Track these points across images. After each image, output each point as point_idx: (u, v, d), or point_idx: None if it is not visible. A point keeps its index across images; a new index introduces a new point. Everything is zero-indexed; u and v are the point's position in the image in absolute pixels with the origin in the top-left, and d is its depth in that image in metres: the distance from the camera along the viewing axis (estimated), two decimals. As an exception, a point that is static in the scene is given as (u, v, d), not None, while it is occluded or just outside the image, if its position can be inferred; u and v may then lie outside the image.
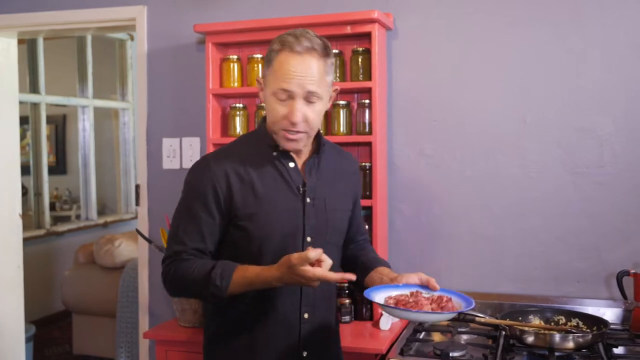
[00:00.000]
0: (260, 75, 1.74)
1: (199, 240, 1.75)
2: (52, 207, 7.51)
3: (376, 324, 2.47)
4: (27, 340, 3.98)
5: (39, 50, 5.78)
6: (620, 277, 2.34)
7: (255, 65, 2.69)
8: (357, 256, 1.97)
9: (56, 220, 6.69)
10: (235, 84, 2.73)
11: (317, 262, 1.59)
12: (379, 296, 1.68)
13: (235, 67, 2.73)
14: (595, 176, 2.49)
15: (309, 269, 1.57)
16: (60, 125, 7.27)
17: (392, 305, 1.63)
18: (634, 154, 2.45)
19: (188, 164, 2.93)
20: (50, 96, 5.89)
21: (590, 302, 2.46)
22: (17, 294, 3.62)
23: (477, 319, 2.32)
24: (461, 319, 2.19)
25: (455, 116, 2.64)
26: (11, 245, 3.58)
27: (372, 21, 2.50)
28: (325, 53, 1.73)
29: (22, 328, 3.69)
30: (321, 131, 1.91)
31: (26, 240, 5.63)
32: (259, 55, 2.69)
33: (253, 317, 1.79)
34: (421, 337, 2.26)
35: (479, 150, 2.61)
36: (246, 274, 1.68)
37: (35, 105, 5.77)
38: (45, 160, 5.85)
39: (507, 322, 2.10)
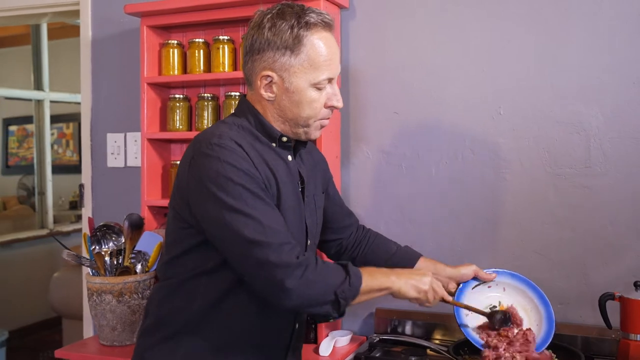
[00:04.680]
0: (262, 67, 1.43)
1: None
2: (75, 206, 7.49)
3: (317, 349, 2.14)
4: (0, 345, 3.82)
5: (42, 47, 5.68)
6: (603, 301, 1.91)
7: (197, 51, 2.40)
8: (381, 252, 1.80)
9: (78, 218, 6.61)
10: (176, 72, 2.44)
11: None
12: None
13: (175, 53, 2.44)
14: (580, 178, 2.08)
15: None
16: (84, 123, 7.18)
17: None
18: (627, 152, 2.03)
19: (133, 162, 2.67)
20: (54, 93, 5.77)
21: (576, 329, 2.05)
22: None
23: (428, 351, 2.02)
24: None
25: (419, 108, 2.27)
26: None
27: (318, -3, 2.16)
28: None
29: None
30: None
31: (28, 240, 5.55)
32: (201, 40, 2.40)
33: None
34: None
35: (445, 147, 2.24)
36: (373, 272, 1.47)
37: (39, 102, 5.66)
38: (49, 158, 5.75)
39: (465, 358, 1.78)
